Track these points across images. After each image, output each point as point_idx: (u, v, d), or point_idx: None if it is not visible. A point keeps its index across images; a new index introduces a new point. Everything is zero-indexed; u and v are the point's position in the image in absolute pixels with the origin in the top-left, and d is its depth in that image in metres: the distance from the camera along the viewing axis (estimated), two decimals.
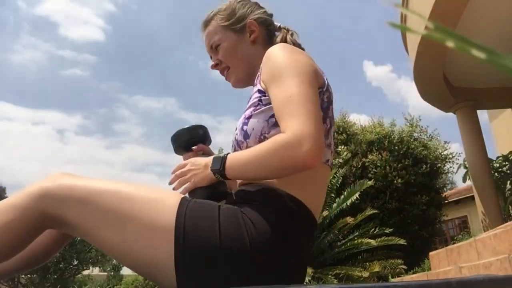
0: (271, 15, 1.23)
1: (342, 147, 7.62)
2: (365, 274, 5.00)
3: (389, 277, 5.41)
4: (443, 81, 5.92)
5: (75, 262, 11.86)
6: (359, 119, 18.22)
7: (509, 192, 6.48)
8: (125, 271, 15.51)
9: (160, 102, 39.98)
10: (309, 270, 4.69)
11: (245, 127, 0.98)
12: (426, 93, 6.36)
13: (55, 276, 11.38)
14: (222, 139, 40.30)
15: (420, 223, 7.43)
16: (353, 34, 70.15)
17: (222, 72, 1.20)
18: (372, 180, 6.66)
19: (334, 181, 6.27)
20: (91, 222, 0.89)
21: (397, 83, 53.41)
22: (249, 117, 0.99)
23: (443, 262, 3.60)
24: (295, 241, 0.91)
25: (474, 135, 6.13)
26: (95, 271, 13.45)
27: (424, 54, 5.34)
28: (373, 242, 5.49)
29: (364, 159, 7.65)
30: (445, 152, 8.71)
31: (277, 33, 1.20)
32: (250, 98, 1.07)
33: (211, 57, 1.22)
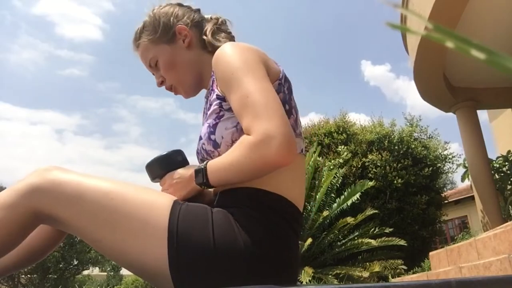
0: (198, 11, 1.16)
1: (342, 147, 7.62)
2: (365, 274, 5.00)
3: (389, 277, 5.41)
4: (443, 81, 5.92)
5: (75, 262, 11.86)
6: (359, 119, 18.25)
7: (509, 192, 6.48)
8: (125, 271, 15.51)
9: (158, 102, 39.96)
10: (309, 270, 4.69)
11: (212, 136, 0.95)
12: (426, 93, 6.36)
13: (55, 276, 11.38)
14: None
15: (420, 223, 7.43)
16: (350, 33, 70.16)
17: (169, 89, 1.14)
18: (373, 180, 6.66)
19: (334, 181, 6.27)
20: (83, 221, 0.87)
21: (395, 83, 53.45)
22: (214, 125, 0.95)
23: (443, 262, 3.60)
24: (284, 236, 0.91)
25: (474, 135, 6.13)
26: (95, 271, 13.45)
27: (424, 54, 5.34)
28: (373, 242, 5.49)
29: (364, 159, 7.65)
30: (445, 152, 8.72)
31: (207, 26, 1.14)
32: (207, 104, 1.05)
33: (153, 74, 1.16)
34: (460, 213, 13.81)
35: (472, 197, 7.41)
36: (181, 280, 0.84)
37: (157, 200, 0.89)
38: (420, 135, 8.72)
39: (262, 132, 0.83)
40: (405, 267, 5.70)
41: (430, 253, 4.03)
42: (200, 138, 0.99)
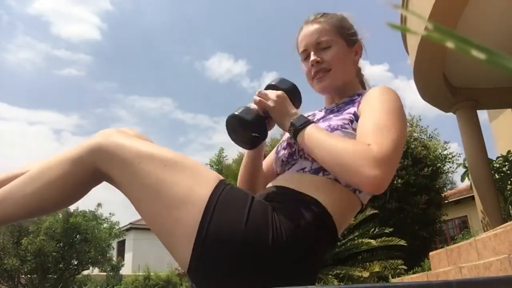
0: None
1: None
2: (365, 274, 4.99)
3: (389, 277, 5.40)
4: (443, 81, 5.92)
5: (75, 262, 11.84)
6: None
7: (509, 192, 6.47)
8: (125, 271, 15.50)
9: (157, 102, 39.87)
10: None
11: (328, 130, 1.00)
12: (426, 93, 6.36)
13: (55, 276, 11.37)
14: (220, 139, 40.31)
15: (420, 223, 7.43)
16: None
17: (317, 72, 1.15)
18: None
19: None
20: (132, 183, 0.93)
21: (394, 83, 53.35)
22: (334, 129, 1.00)
23: (443, 262, 3.60)
24: (315, 253, 0.91)
25: (474, 135, 6.12)
26: (95, 271, 13.43)
27: (424, 54, 5.33)
28: (373, 242, 5.48)
29: None
30: (444, 152, 8.72)
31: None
32: (337, 110, 1.10)
33: (303, 51, 1.18)
34: (460, 213, 13.81)
35: (472, 197, 7.41)
36: (198, 259, 0.85)
37: (204, 176, 0.92)
38: (420, 135, 8.72)
39: (382, 151, 0.85)
40: (405, 267, 5.70)
41: (430, 253, 4.02)
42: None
